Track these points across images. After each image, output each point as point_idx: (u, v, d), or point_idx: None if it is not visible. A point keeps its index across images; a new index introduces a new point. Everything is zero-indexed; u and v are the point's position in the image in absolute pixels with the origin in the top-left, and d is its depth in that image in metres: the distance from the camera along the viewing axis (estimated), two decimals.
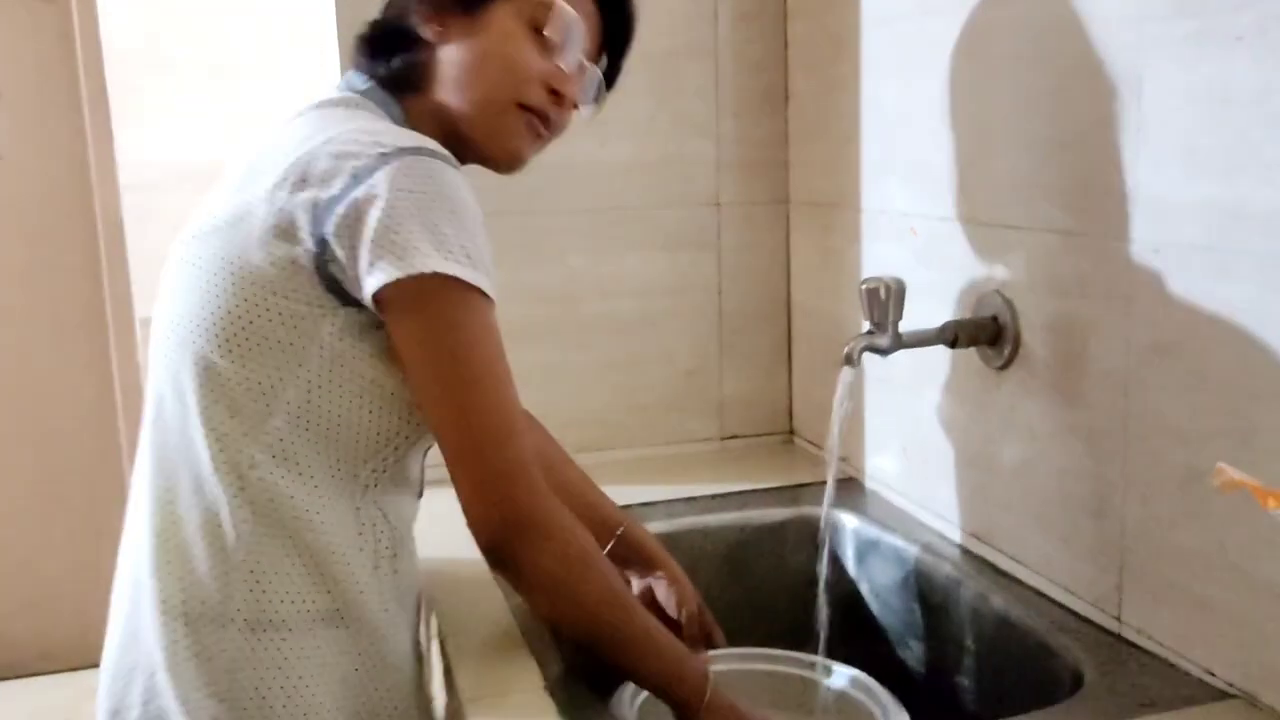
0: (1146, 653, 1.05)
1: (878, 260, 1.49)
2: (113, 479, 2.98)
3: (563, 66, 1.05)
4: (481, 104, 1.03)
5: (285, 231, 0.92)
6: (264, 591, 0.96)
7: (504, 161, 1.08)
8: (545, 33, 1.03)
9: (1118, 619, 1.09)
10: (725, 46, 1.69)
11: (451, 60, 1.04)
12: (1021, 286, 1.20)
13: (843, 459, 1.63)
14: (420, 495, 1.11)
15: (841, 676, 1.15)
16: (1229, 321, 0.93)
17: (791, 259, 1.76)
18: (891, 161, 1.45)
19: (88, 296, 2.95)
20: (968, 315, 1.27)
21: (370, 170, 0.90)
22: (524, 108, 1.04)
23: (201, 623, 0.96)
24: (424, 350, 0.92)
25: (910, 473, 1.45)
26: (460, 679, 1.08)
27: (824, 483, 1.51)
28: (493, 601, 1.24)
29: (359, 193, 0.89)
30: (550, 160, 1.62)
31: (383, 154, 0.91)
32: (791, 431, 1.80)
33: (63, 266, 2.92)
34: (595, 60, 1.10)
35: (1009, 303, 1.21)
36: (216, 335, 0.95)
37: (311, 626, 0.98)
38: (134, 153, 2.87)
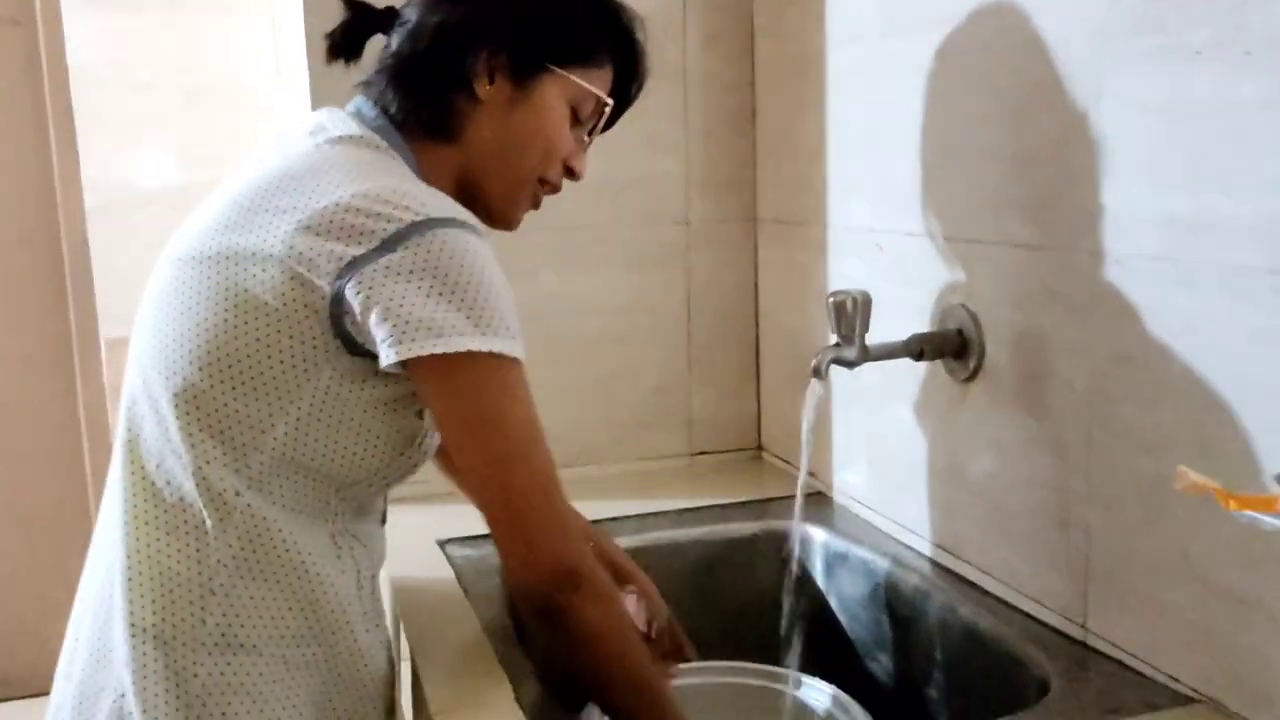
0: (1112, 660, 1.06)
1: (844, 277, 1.50)
2: (76, 502, 2.95)
3: (584, 145, 1.10)
4: (512, 176, 1.07)
5: (301, 276, 0.92)
6: (238, 615, 0.96)
7: (504, 225, 1.11)
8: (582, 119, 1.08)
9: (1083, 627, 1.10)
10: (694, 66, 1.71)
11: (493, 124, 1.04)
12: (986, 300, 1.21)
13: (810, 474, 1.63)
14: (383, 523, 1.12)
15: (811, 689, 1.15)
16: (1190, 332, 0.95)
17: (760, 276, 1.77)
18: (857, 179, 1.46)
19: (53, 318, 2.92)
20: (933, 329, 1.28)
21: (401, 239, 0.90)
22: (542, 181, 1.09)
23: (174, 644, 0.96)
24: (463, 421, 0.94)
25: (877, 486, 1.46)
26: (430, 694, 1.07)
27: (792, 497, 1.52)
28: (462, 618, 1.24)
29: (390, 260, 0.90)
30: None
31: (415, 223, 0.91)
32: (760, 447, 1.81)
33: (27, 288, 2.89)
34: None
35: (973, 315, 1.22)
36: (209, 364, 0.94)
37: (284, 649, 0.98)
38: (100, 174, 2.85)
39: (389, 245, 0.90)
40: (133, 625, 0.96)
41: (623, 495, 1.63)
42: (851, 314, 1.21)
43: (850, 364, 1.23)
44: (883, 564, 1.35)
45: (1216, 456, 0.93)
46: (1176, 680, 1.00)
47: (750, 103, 1.73)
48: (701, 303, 1.75)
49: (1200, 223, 0.93)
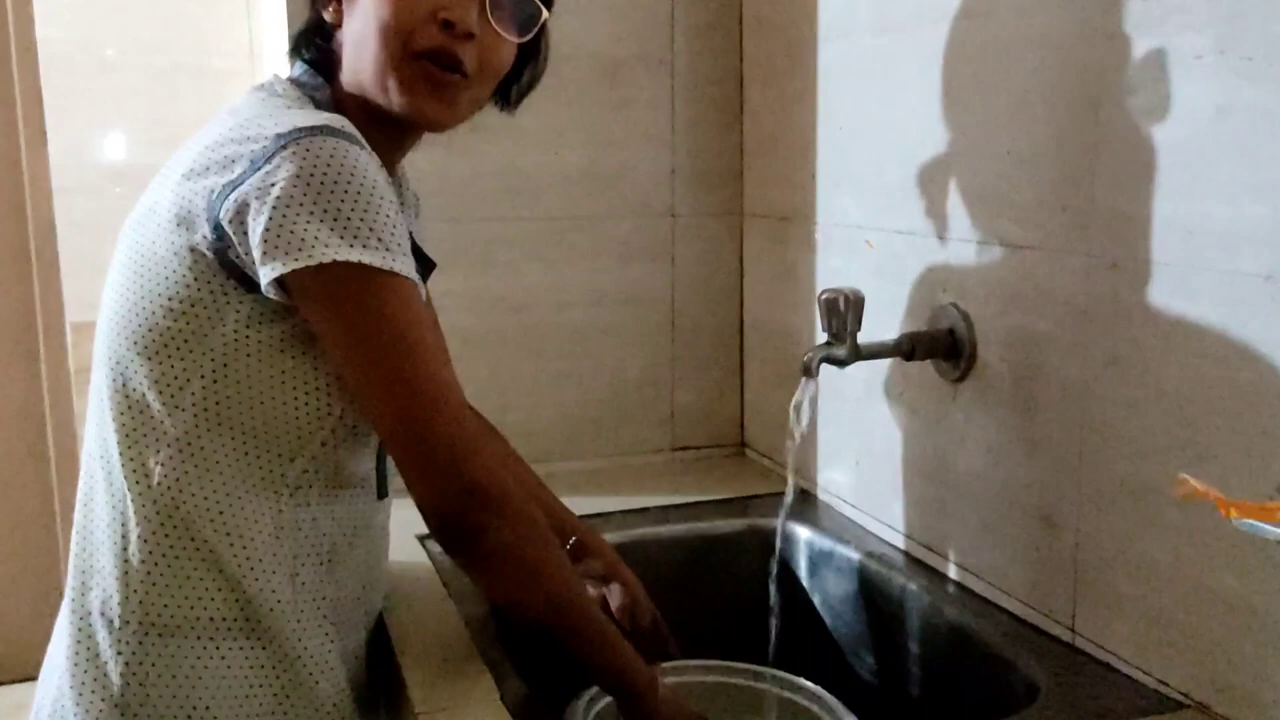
0: (1101, 664, 1.06)
1: (833, 273, 1.49)
2: (39, 486, 2.90)
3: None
4: (377, 66, 0.97)
5: (185, 220, 0.90)
6: (160, 594, 0.94)
7: (426, 121, 1.00)
8: None
9: (1071, 629, 1.10)
10: (681, 58, 1.69)
11: (347, 38, 1.01)
12: (978, 300, 1.21)
13: (797, 471, 1.62)
14: (383, 495, 1.06)
15: (794, 688, 1.15)
16: (1185, 337, 0.95)
17: (745, 271, 1.76)
18: (848, 175, 1.45)
19: (18, 301, 2.87)
20: (924, 328, 1.28)
21: (267, 155, 0.87)
22: (419, 56, 0.96)
23: (100, 624, 0.95)
24: (342, 338, 0.89)
25: (863, 485, 1.46)
26: (413, 691, 1.06)
27: (776, 494, 1.52)
28: (445, 612, 1.22)
29: (255, 179, 0.87)
30: (504, 168, 1.63)
31: (279, 135, 0.88)
32: (743, 443, 1.80)
33: None
34: None
35: (965, 315, 1.22)
36: (127, 330, 0.94)
37: (212, 635, 0.95)
38: (68, 156, 2.80)
39: (256, 165, 0.87)
40: (70, 602, 0.97)
41: (605, 490, 1.62)
42: (843, 312, 1.20)
43: (841, 362, 1.22)
44: (868, 563, 1.35)
45: (1211, 461, 0.93)
46: (1166, 684, 1.00)
47: (738, 96, 1.72)
48: (686, 296, 1.74)
49: (1197, 228, 0.93)
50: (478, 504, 0.90)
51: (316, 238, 0.85)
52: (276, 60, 2.32)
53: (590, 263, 1.69)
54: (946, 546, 1.29)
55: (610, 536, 1.42)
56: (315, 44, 1.04)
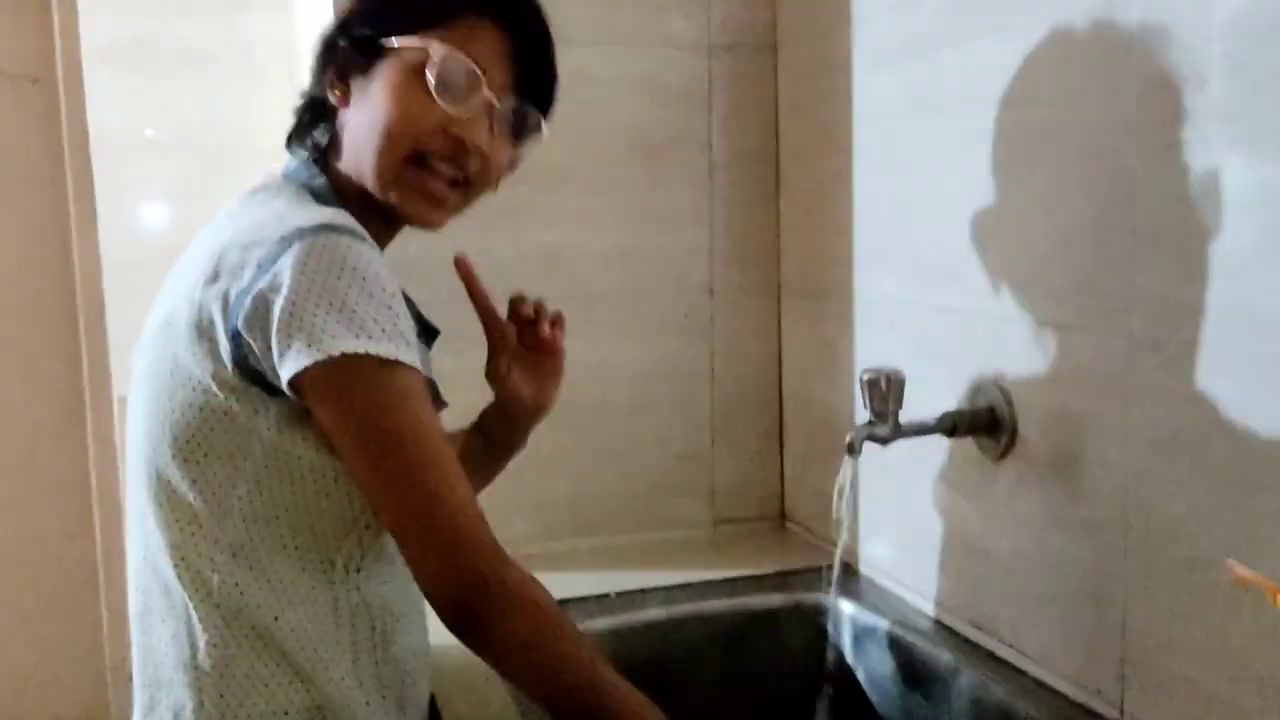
0: None
1: (872, 349, 1.51)
2: (85, 559, 2.93)
3: (461, 111, 0.98)
4: (379, 164, 0.99)
5: (204, 329, 0.91)
6: (234, 694, 0.94)
7: (418, 221, 1.03)
8: (429, 77, 0.97)
9: (1120, 710, 1.10)
10: (718, 138, 1.73)
11: (350, 124, 1.02)
12: (1018, 377, 1.22)
13: (835, 545, 1.63)
14: None
15: None
16: (1227, 417, 0.96)
17: (783, 346, 1.78)
18: (886, 253, 1.48)
19: (66, 377, 2.92)
20: (964, 404, 1.29)
21: (274, 258, 0.89)
22: (424, 162, 0.99)
23: None
24: (349, 430, 0.89)
25: (906, 559, 1.46)
26: None
27: (818, 568, 1.53)
28: (492, 692, 1.23)
29: (264, 282, 0.88)
30: (547, 246, 1.66)
31: (284, 238, 0.89)
32: (783, 516, 1.81)
33: (41, 348, 2.90)
34: (513, 93, 1.02)
35: (1005, 393, 1.23)
36: (165, 444, 0.94)
37: None
38: (116, 233, 2.87)
39: (263, 267, 0.88)
40: (143, 709, 0.98)
41: (648, 565, 1.63)
42: (885, 392, 1.22)
43: (884, 441, 1.23)
44: (913, 639, 1.35)
45: (1260, 543, 0.93)
46: None
47: (775, 175, 1.75)
48: (725, 371, 1.76)
49: (1237, 311, 0.95)
50: (485, 597, 0.89)
51: (325, 331, 0.86)
52: None
53: (632, 338, 1.72)
54: (993, 623, 1.29)
55: (656, 612, 1.44)
56: (311, 126, 1.06)
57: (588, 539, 1.60)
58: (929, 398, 1.34)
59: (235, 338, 0.89)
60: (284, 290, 0.87)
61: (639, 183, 1.70)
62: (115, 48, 2.79)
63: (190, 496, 0.94)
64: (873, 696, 1.41)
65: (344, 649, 0.98)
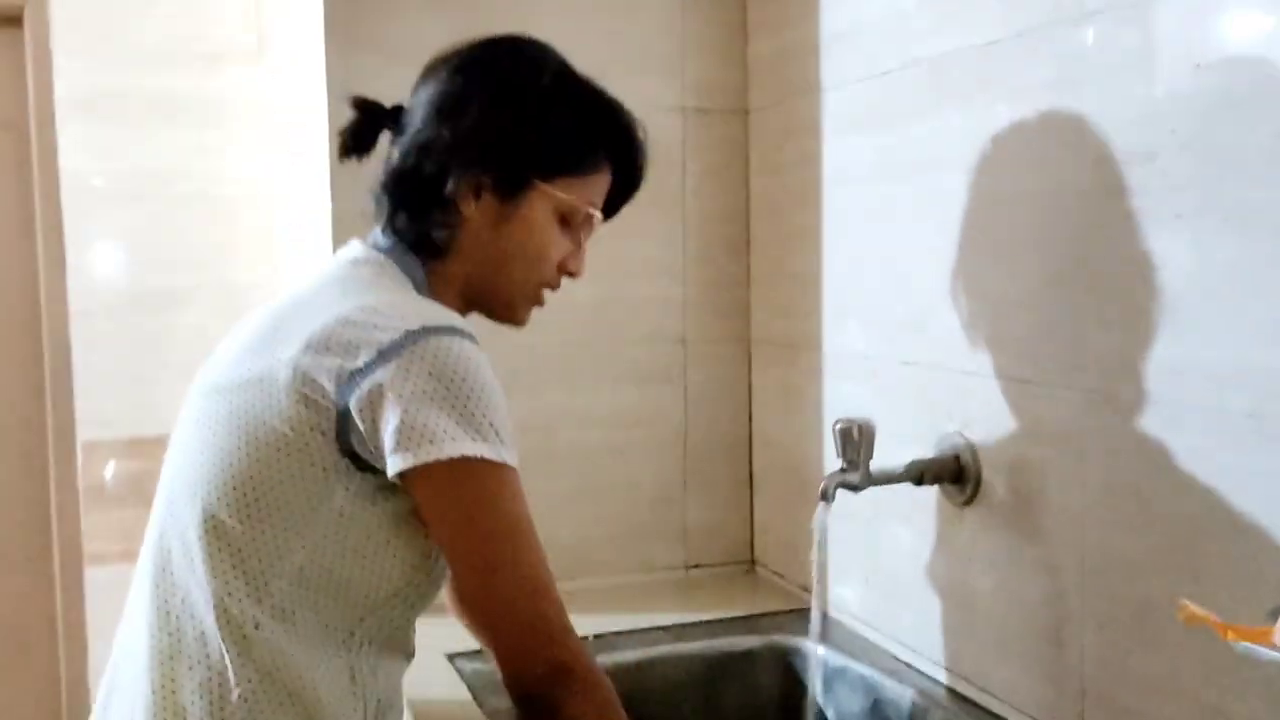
0: None
1: (840, 399, 1.58)
2: (44, 608, 2.91)
3: (578, 246, 1.14)
4: (508, 286, 1.12)
5: (306, 397, 0.95)
6: None
7: (510, 325, 1.17)
8: (574, 224, 1.12)
9: None
10: (692, 198, 1.80)
11: (483, 239, 1.09)
12: (982, 428, 1.29)
13: (804, 589, 1.69)
14: (410, 659, 1.12)
15: None
16: (1179, 467, 1.03)
17: (754, 394, 1.85)
18: (853, 308, 1.55)
19: (30, 417, 2.93)
20: (930, 453, 1.36)
21: (397, 348, 0.94)
22: (540, 284, 1.13)
23: None
24: (457, 527, 0.97)
25: (873, 602, 1.52)
26: None
27: (789, 611, 1.59)
28: None
29: (385, 372, 0.93)
30: None
31: (409, 332, 0.95)
32: (753, 560, 1.87)
33: (6, 392, 2.91)
34: (605, 217, 1.17)
35: (970, 443, 1.30)
36: (228, 495, 0.97)
37: None
38: (83, 278, 2.88)
39: (385, 356, 0.94)
40: None
41: (622, 607, 1.68)
42: (857, 441, 1.28)
43: (855, 488, 1.30)
44: (881, 679, 1.41)
45: (1206, 582, 1.00)
46: None
47: (745, 232, 1.83)
48: (697, 419, 1.83)
49: (1185, 367, 1.02)
50: (562, 682, 0.98)
51: (445, 432, 0.93)
52: (295, 190, 2.43)
53: (607, 387, 1.78)
54: (958, 662, 1.35)
55: (630, 654, 1.48)
56: (421, 212, 1.09)
57: (563, 582, 1.61)
58: (896, 447, 1.40)
59: (343, 413, 0.95)
60: (410, 387, 0.93)
61: (618, 238, 1.75)
62: (89, 97, 2.82)
63: (244, 553, 0.97)
64: None
65: (358, 715, 1.02)
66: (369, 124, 1.13)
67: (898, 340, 1.44)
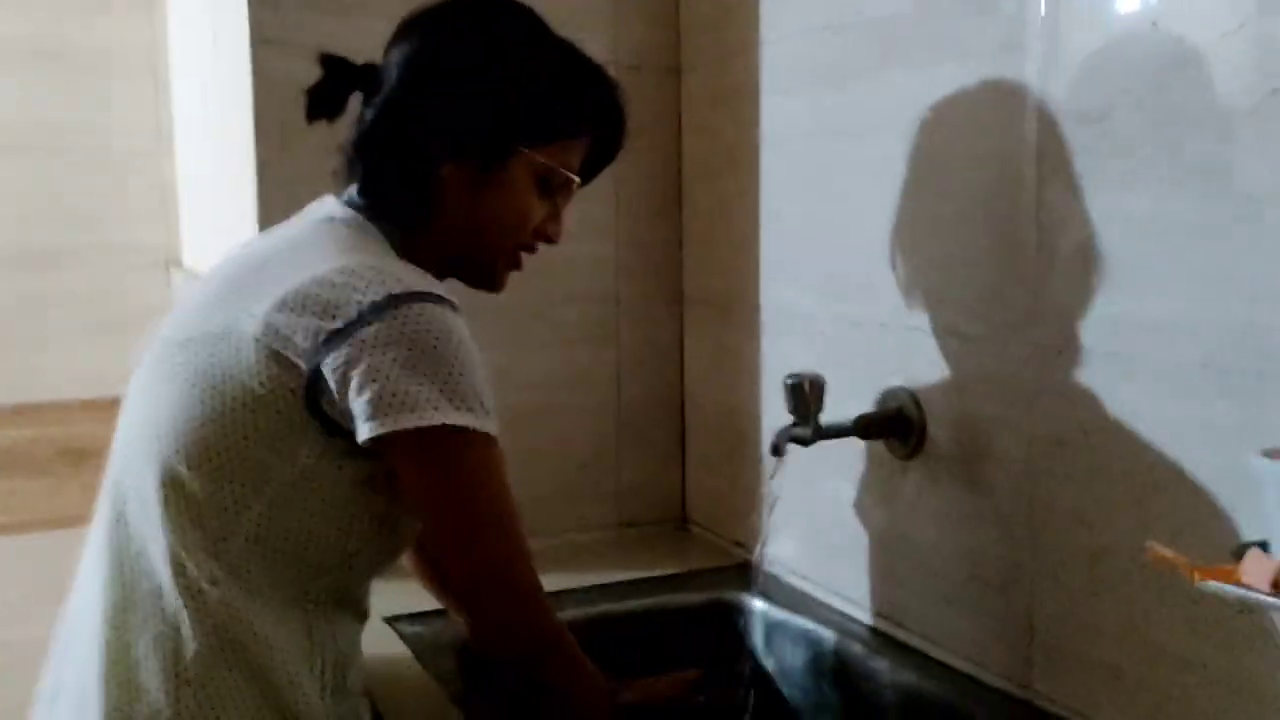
0: (1058, 717, 1.16)
1: (780, 357, 1.59)
2: None
3: (556, 211, 1.14)
4: (486, 251, 1.11)
5: (277, 354, 0.93)
6: (212, 705, 0.95)
7: (487, 290, 1.16)
8: (554, 188, 1.11)
9: (1026, 687, 1.20)
10: (623, 155, 1.78)
11: (462, 204, 1.07)
12: (926, 383, 1.31)
13: (739, 544, 1.71)
14: (364, 620, 1.11)
15: None
16: (1130, 419, 1.07)
17: (686, 354, 1.85)
18: (792, 266, 1.56)
19: None
20: (873, 408, 1.38)
21: (378, 312, 0.92)
22: (518, 248, 1.13)
23: None
24: (435, 496, 0.97)
25: (813, 556, 1.54)
26: None
27: (723, 568, 1.60)
28: (431, 696, 1.25)
29: (365, 335, 0.91)
30: None
31: (392, 296, 0.93)
32: (685, 518, 1.88)
33: None
34: (582, 180, 1.16)
35: (914, 397, 1.32)
36: (188, 449, 0.95)
37: None
38: None
39: (364, 319, 0.92)
40: (108, 714, 0.96)
41: (557, 566, 1.65)
42: (807, 395, 1.29)
43: (805, 442, 1.31)
44: (823, 632, 1.43)
45: (1157, 533, 1.04)
46: None
47: (677, 191, 1.83)
48: (630, 378, 1.82)
49: (1137, 320, 1.05)
50: (543, 651, 1.02)
51: (427, 400, 0.92)
52: (190, 143, 2.33)
53: (539, 348, 1.76)
54: (900, 613, 1.38)
55: (573, 613, 1.47)
56: (397, 178, 1.07)
57: None
58: (836, 403, 1.42)
59: (315, 372, 0.92)
60: (390, 354, 0.91)
61: None
62: None
63: (202, 508, 0.95)
64: (784, 689, 1.48)
65: (314, 676, 1.01)
66: (338, 84, 1.09)
67: (840, 299, 1.45)
